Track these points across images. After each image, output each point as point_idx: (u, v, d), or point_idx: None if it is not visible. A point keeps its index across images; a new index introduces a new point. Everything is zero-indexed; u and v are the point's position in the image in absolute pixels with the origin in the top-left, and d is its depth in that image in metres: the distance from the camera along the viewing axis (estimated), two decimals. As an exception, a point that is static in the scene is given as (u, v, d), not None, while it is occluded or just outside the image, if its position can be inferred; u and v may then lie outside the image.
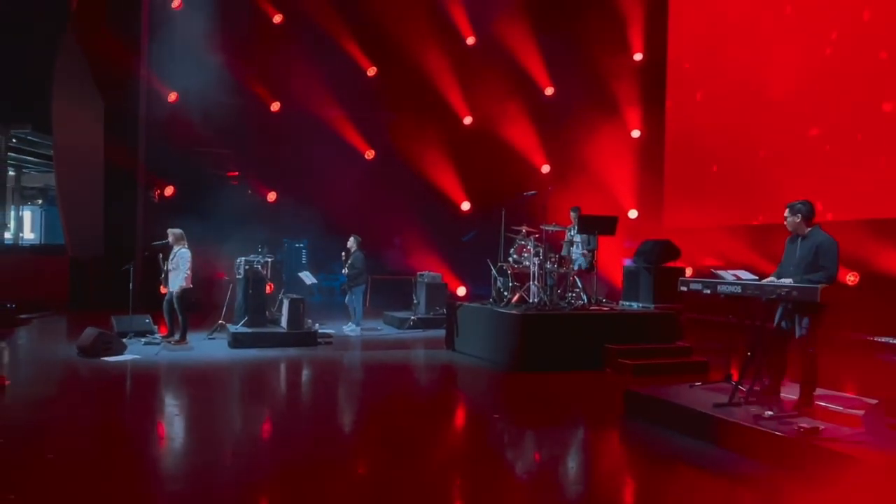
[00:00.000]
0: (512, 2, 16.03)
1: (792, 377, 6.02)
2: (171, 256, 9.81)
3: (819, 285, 5.37)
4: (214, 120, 14.83)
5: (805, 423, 5.12)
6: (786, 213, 5.90)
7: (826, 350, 5.92)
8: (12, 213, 23.60)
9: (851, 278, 11.02)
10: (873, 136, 10.96)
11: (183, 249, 9.81)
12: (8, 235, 21.75)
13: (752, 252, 11.30)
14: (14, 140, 19.29)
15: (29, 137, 19.19)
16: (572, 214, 10.71)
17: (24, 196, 26.23)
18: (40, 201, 27.43)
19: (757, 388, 5.81)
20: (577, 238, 10.52)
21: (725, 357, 6.62)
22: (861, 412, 5.20)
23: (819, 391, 5.85)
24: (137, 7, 15.45)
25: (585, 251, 10.37)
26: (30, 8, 14.73)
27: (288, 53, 15.90)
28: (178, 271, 9.70)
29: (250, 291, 10.59)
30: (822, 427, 5.06)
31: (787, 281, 5.65)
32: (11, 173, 22.74)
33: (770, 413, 5.40)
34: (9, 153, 19.52)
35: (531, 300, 9.57)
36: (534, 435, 6.26)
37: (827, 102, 11.65)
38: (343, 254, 12.07)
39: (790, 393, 5.89)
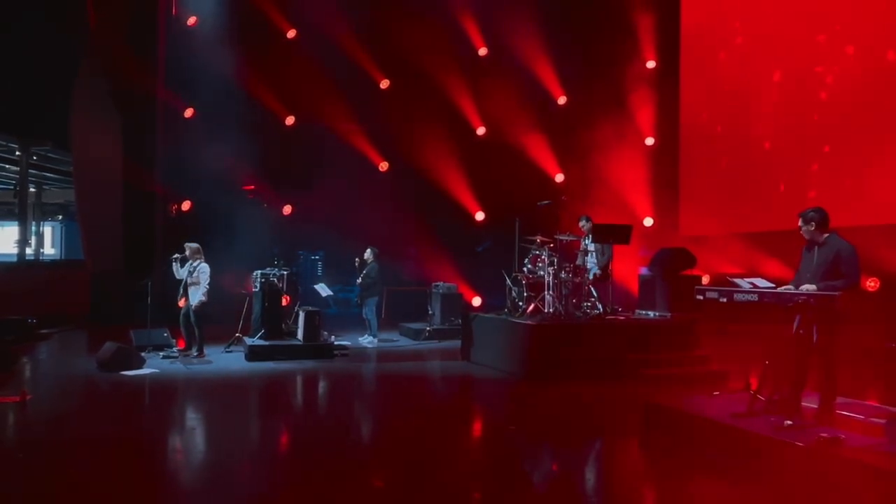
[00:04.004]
0: (523, 12, 16.06)
1: (812, 386, 5.94)
2: (191, 270, 9.89)
3: (837, 292, 5.31)
4: (230, 134, 14.98)
5: (825, 433, 5.05)
6: (799, 223, 5.85)
7: (846, 358, 5.85)
8: (33, 229, 23.94)
9: (871, 284, 10.88)
10: (890, 140, 10.83)
11: (203, 264, 9.90)
12: (29, 251, 22.04)
13: (769, 259, 11.19)
14: (34, 157, 19.57)
15: (49, 154, 19.47)
16: (582, 224, 10.61)
17: (45, 212, 26.61)
18: (60, 217, 27.80)
19: (776, 397, 5.74)
20: (592, 247, 10.48)
21: (744, 366, 6.56)
22: (883, 421, 5.13)
23: (840, 400, 5.77)
24: (154, 25, 15.69)
25: (598, 261, 10.30)
26: (49, 27, 15.00)
27: (301, 67, 16.03)
28: (199, 286, 9.79)
29: (266, 304, 10.65)
30: (842, 437, 4.99)
31: (810, 287, 5.58)
32: (32, 189, 23.07)
33: (790, 423, 5.33)
34: (29, 170, 19.81)
35: (546, 310, 9.54)
36: (551, 447, 6.23)
37: (845, 106, 11.54)
38: (356, 261, 12.04)
39: (810, 402, 5.82)
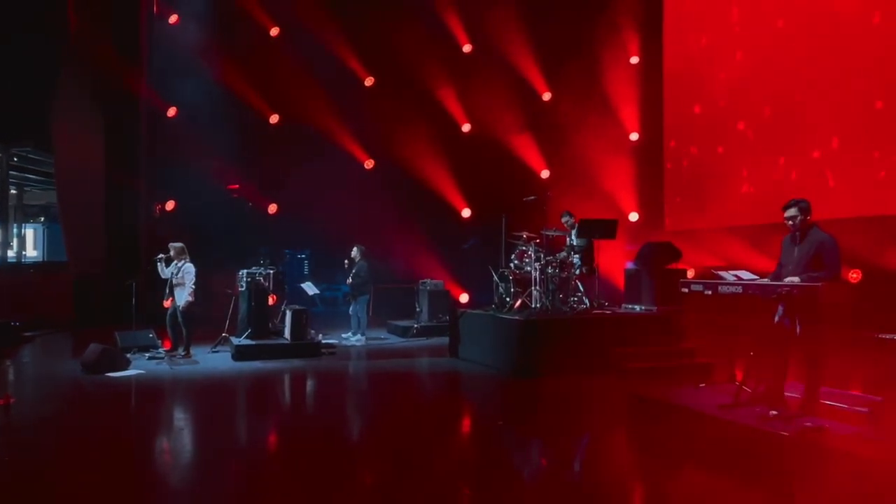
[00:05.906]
0: (507, 9, 16.08)
1: (796, 376, 6.00)
2: (175, 271, 9.81)
3: (820, 283, 5.37)
4: (214, 133, 14.89)
5: (810, 423, 5.11)
6: (788, 212, 5.89)
7: (829, 348, 5.91)
8: (15, 231, 23.68)
9: (854, 275, 11.00)
10: (871, 133, 10.95)
11: (188, 264, 9.82)
12: (11, 253, 21.81)
13: (753, 252, 11.29)
14: (15, 159, 19.36)
15: (30, 156, 19.26)
16: (565, 220, 10.68)
17: (27, 214, 26.32)
18: (42, 219, 27.52)
19: (761, 388, 5.80)
20: (577, 242, 10.53)
21: (729, 358, 6.62)
22: (866, 410, 5.19)
23: (823, 389, 5.83)
24: (136, 24, 15.55)
25: (576, 252, 10.35)
26: (30, 27, 14.83)
27: (285, 65, 15.96)
28: (184, 286, 9.72)
29: (253, 304, 10.60)
30: (827, 426, 5.05)
31: (793, 279, 5.63)
32: (13, 191, 22.81)
33: (775, 413, 5.39)
34: (10, 171, 19.59)
35: (533, 305, 9.57)
36: (539, 441, 6.25)
37: (825, 101, 11.65)
38: (346, 262, 12.04)
39: (794, 392, 5.88)
